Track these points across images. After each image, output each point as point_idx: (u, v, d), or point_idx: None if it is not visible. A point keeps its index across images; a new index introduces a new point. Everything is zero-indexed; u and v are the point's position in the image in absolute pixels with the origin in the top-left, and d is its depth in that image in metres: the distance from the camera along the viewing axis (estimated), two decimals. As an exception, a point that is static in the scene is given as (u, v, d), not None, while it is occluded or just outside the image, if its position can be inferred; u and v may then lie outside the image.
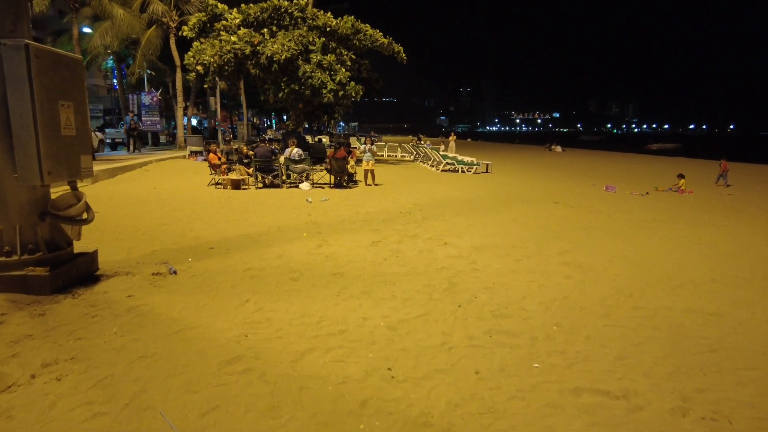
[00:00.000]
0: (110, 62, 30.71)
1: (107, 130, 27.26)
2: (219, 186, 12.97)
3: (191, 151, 21.67)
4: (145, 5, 23.62)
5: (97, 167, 14.85)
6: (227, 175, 13.40)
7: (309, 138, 29.27)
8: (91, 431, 2.67)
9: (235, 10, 18.95)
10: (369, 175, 14.19)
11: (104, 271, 5.54)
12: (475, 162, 19.84)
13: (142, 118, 26.98)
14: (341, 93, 17.85)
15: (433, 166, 21.19)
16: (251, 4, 19.20)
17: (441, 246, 6.95)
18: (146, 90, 29.62)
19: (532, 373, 3.38)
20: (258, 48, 17.56)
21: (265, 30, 18.43)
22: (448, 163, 19.83)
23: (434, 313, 4.42)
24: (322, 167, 14.35)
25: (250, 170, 13.49)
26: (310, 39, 18.26)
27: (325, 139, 30.36)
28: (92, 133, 21.22)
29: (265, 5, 18.92)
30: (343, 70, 17.68)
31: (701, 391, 3.20)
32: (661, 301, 4.92)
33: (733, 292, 5.27)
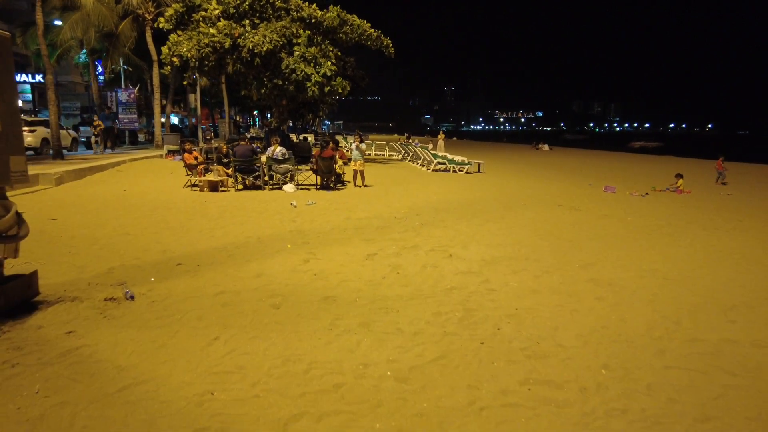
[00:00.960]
0: (83, 56, 29.09)
1: (82, 129, 25.80)
2: (195, 188, 11.93)
3: (168, 150, 20.56)
4: (119, -5, 22.28)
5: (63, 167, 13.67)
6: (204, 176, 12.36)
7: (293, 136, 28.13)
8: None
9: (214, 0, 17.82)
10: (358, 175, 13.28)
11: (45, 296, 4.57)
12: (467, 161, 19.05)
13: (119, 116, 25.60)
14: (327, 88, 16.87)
15: (423, 166, 20.34)
16: (232, -6, 18.05)
17: (446, 259, 6.08)
18: (123, 86, 28.17)
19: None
20: (239, 40, 16.47)
21: (247, 21, 17.33)
22: (439, 163, 19.00)
23: (453, 354, 3.54)
24: (308, 167, 13.45)
25: (230, 170, 12.48)
26: (294, 31, 17.23)
27: (310, 138, 29.30)
28: (65, 131, 20.15)
29: (246, -5, 17.80)
30: (329, 63, 16.67)
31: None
32: (720, 332, 4.10)
33: (794, 316, 4.50)
